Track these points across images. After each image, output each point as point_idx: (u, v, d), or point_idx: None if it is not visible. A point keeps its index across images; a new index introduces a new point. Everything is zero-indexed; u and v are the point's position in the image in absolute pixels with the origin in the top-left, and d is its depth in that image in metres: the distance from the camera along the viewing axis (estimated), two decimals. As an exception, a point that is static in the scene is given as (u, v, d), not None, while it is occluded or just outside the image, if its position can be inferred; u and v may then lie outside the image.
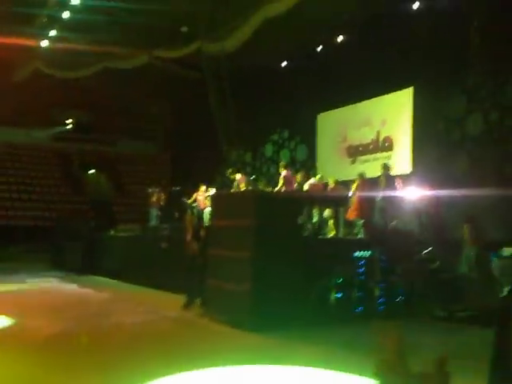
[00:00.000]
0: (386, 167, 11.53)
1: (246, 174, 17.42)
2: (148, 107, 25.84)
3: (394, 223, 10.98)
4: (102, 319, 8.79)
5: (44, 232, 20.21)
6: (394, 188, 11.27)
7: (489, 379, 3.35)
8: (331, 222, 11.81)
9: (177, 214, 16.31)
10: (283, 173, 12.97)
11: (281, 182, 12.80)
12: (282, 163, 13.98)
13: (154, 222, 16.81)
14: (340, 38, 16.73)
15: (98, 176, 26.15)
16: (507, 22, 12.03)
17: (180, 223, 12.02)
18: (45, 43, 18.33)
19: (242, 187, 13.39)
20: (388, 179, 11.35)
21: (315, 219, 12.28)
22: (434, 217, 11.54)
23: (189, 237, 9.88)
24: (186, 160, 22.75)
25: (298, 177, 13.18)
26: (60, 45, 17.81)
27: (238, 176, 14.31)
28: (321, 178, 13.27)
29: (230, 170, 14.82)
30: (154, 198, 16.91)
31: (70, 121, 26.51)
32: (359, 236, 10.97)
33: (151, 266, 12.91)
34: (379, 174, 11.79)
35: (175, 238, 11.89)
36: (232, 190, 13.53)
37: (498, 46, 12.35)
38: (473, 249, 8.97)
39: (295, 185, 12.90)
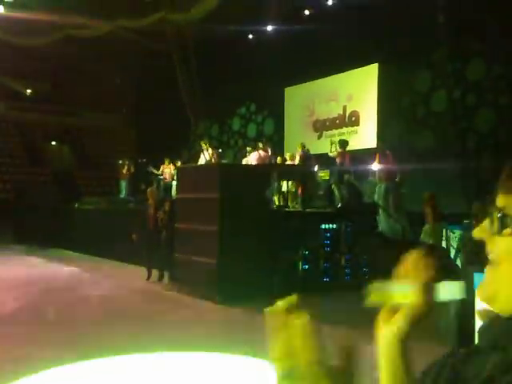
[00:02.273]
0: (343, 143, 11.57)
1: (214, 147, 17.33)
2: (111, 79, 25.22)
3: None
4: (69, 292, 8.71)
5: (6, 204, 19.70)
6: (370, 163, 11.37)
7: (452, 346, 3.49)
8: (298, 194, 11.91)
9: (143, 186, 16.16)
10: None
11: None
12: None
13: (123, 194, 16.59)
14: (307, 12, 16.64)
15: (60, 148, 25.53)
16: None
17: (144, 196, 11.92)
18: (0, 9, 17.55)
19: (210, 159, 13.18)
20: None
21: (282, 192, 12.37)
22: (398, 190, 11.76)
23: (151, 210, 9.82)
24: (152, 132, 22.42)
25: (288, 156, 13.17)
26: (17, 11, 17.07)
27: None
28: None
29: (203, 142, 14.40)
30: (124, 170, 16.64)
31: (28, 91, 25.66)
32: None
33: (118, 238, 12.79)
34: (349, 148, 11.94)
35: (141, 210, 11.79)
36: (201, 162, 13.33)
37: (464, 22, 12.52)
38: (431, 225, 9.28)
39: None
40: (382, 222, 10.15)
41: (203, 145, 13.30)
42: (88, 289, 8.99)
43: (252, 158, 12.68)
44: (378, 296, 0.76)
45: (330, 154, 12.18)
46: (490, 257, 0.73)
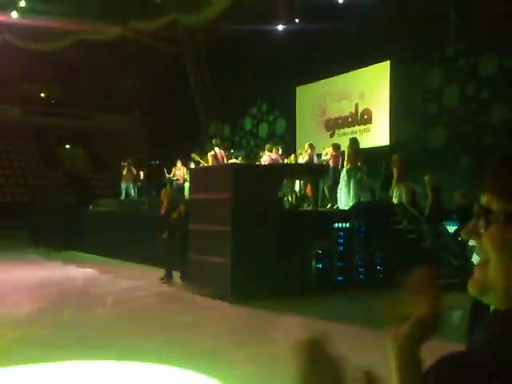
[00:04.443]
0: (354, 142, 11.45)
1: (225, 148, 17.34)
2: (123, 81, 25.38)
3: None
4: (83, 294, 8.77)
5: (21, 208, 19.91)
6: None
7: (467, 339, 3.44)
8: (311, 194, 11.85)
9: (154, 192, 16.26)
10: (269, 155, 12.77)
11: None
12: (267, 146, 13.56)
13: (123, 196, 16.59)
14: (318, 11, 16.54)
15: (73, 151, 25.75)
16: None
17: (158, 198, 11.96)
18: (14, 15, 17.74)
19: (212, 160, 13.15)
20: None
21: (295, 191, 12.34)
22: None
23: (162, 211, 9.87)
24: (164, 134, 22.51)
25: (292, 158, 13.09)
26: (30, 16, 17.25)
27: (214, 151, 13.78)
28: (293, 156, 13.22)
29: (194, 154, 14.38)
30: (124, 172, 16.66)
31: (42, 95, 25.92)
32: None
33: (131, 240, 12.86)
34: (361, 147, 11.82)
35: (154, 212, 11.85)
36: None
37: (475, 19, 12.40)
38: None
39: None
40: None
41: (215, 148, 13.28)
42: (102, 290, 9.05)
43: (263, 161, 12.62)
44: (393, 309, 0.79)
45: (323, 158, 12.11)
46: (479, 254, 0.77)
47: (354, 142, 11.22)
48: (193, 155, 14.29)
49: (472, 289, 0.77)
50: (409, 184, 10.33)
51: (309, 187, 11.94)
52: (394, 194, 10.38)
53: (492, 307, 0.75)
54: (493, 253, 0.73)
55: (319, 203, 11.53)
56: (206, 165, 12.95)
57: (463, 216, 8.98)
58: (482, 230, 0.76)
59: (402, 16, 13.65)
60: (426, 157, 12.89)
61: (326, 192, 11.35)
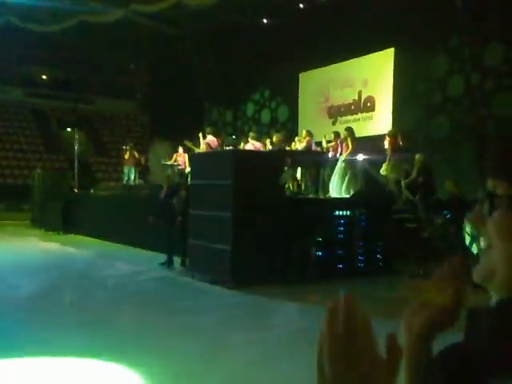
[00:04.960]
0: (351, 131, 11.38)
1: (226, 134, 17.31)
2: (125, 64, 25.23)
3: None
4: (83, 277, 8.80)
5: (22, 190, 19.94)
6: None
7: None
8: (310, 181, 11.82)
9: (151, 175, 16.35)
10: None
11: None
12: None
13: (125, 181, 16.58)
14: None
15: (75, 134, 25.66)
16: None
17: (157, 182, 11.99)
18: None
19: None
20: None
21: (296, 178, 12.30)
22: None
23: (162, 195, 9.91)
24: (165, 118, 22.42)
25: (274, 138, 12.93)
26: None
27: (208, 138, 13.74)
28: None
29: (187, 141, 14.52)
30: (127, 156, 16.61)
31: (44, 77, 25.79)
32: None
33: (132, 224, 12.89)
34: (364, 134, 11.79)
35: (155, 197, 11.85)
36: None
37: (480, 7, 12.27)
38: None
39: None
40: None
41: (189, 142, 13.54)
42: (103, 274, 9.08)
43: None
44: (417, 294, 0.76)
45: (324, 145, 12.06)
46: (484, 240, 0.75)
47: (350, 131, 11.18)
48: (185, 142, 14.35)
49: (476, 276, 0.75)
50: (401, 164, 10.35)
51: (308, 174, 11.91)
52: (386, 168, 10.37)
53: (495, 295, 0.74)
54: (497, 238, 0.72)
55: (319, 191, 11.52)
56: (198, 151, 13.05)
57: (454, 205, 8.95)
58: (486, 215, 0.74)
59: (406, 2, 13.50)
60: (428, 146, 12.82)
61: (326, 180, 11.33)
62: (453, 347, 0.75)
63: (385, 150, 10.75)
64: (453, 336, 0.77)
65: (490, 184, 0.75)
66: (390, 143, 10.51)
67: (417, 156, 10.23)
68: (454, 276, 0.74)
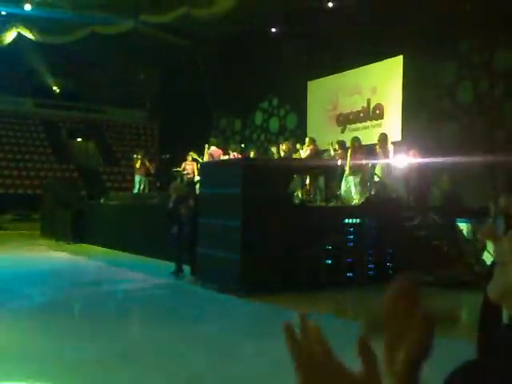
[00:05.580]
0: (357, 141, 11.36)
1: (235, 142, 17.34)
2: (135, 74, 25.43)
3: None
4: (93, 287, 8.83)
5: (32, 200, 20.09)
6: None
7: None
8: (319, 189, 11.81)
9: (158, 184, 16.42)
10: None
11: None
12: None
13: (136, 190, 16.63)
14: (330, 5, 16.44)
15: (85, 144, 25.88)
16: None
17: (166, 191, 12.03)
18: (28, 7, 17.81)
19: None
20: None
21: (305, 186, 12.28)
22: (422, 184, 11.62)
23: (170, 204, 9.90)
24: (175, 127, 22.54)
25: (284, 146, 12.94)
26: (43, 9, 17.31)
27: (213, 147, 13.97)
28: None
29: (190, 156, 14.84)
30: (138, 165, 16.68)
31: (55, 88, 26.03)
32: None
33: (142, 233, 12.94)
34: (372, 142, 11.77)
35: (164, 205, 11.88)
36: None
37: (489, 13, 12.24)
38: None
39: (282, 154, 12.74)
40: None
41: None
42: (113, 283, 9.10)
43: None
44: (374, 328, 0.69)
45: (332, 154, 12.04)
46: (497, 257, 0.74)
47: (357, 140, 11.17)
48: (190, 153, 14.58)
49: (491, 293, 0.74)
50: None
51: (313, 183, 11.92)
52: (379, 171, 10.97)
53: (509, 313, 0.72)
54: None
55: (328, 199, 11.49)
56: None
57: (448, 204, 8.90)
58: (499, 232, 0.74)
59: (415, 9, 13.52)
60: (439, 153, 12.76)
61: (334, 188, 11.30)
62: (467, 365, 0.71)
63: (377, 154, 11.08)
64: (455, 343, 0.75)
65: (502, 200, 0.75)
66: (379, 149, 10.99)
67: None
68: (409, 305, 0.66)
